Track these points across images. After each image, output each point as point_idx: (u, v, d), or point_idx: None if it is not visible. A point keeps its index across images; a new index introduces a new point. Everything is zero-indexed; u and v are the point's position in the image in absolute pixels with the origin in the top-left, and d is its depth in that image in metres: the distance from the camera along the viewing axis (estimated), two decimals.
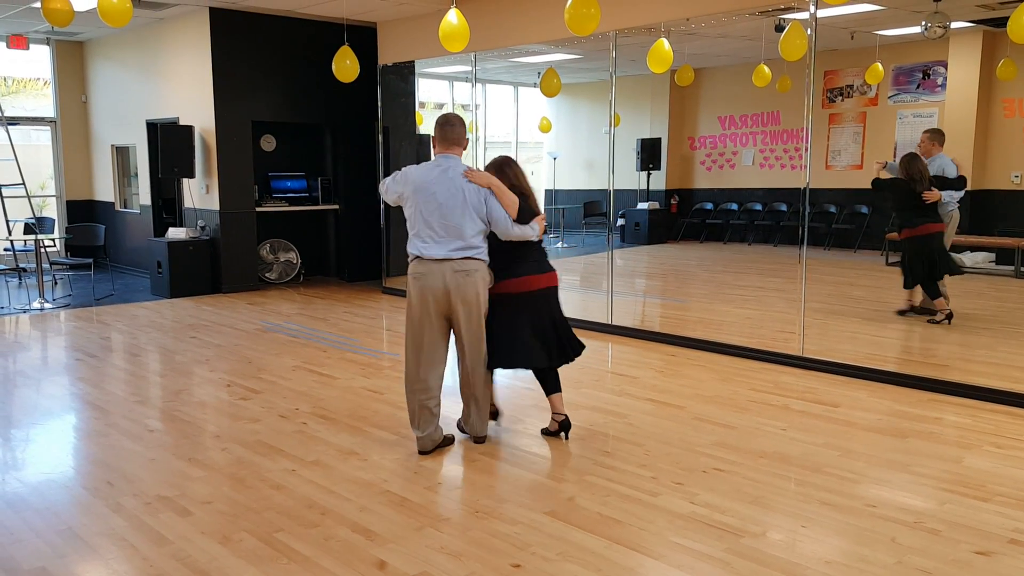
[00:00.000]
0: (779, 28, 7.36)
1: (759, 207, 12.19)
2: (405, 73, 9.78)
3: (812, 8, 5.96)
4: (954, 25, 8.94)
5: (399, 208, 4.45)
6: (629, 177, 12.67)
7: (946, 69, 10.84)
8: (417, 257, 4.32)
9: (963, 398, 5.27)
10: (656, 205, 13.02)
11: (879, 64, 10.36)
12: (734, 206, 12.61)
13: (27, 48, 10.95)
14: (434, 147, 4.42)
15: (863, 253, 11.05)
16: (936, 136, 7.32)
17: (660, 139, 13.09)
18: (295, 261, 10.58)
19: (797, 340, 6.24)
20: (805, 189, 6.36)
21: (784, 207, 11.81)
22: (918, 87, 11.14)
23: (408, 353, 4.41)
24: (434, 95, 13.54)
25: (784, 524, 3.50)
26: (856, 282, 7.72)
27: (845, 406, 5.16)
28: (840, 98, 11.81)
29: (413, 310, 4.35)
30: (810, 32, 6.07)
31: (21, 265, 10.11)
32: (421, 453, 4.36)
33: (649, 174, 12.82)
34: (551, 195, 14.17)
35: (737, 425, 4.79)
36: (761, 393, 5.45)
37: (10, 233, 10.07)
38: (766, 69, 8.91)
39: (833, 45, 10.69)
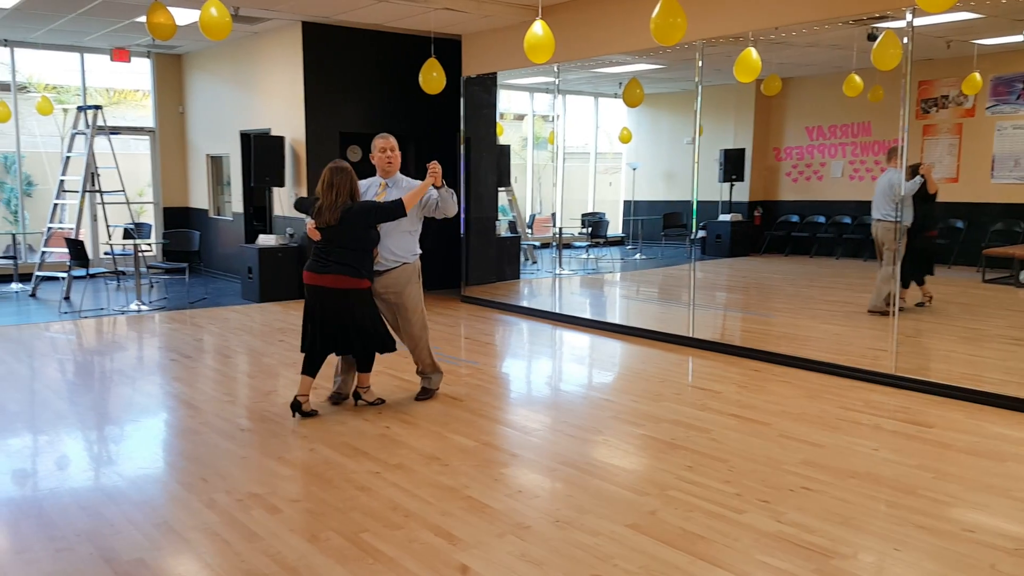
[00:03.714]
0: (871, 37, 7.16)
1: (848, 220, 11.85)
2: (488, 84, 9.88)
3: (909, 16, 5.79)
4: None
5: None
6: (711, 188, 12.50)
7: None
8: None
9: None
10: (739, 217, 12.80)
11: (977, 74, 9.97)
12: (821, 219, 12.29)
13: (129, 61, 11.49)
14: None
15: (958, 269, 10.63)
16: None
17: (744, 150, 12.87)
18: None
19: (889, 358, 6.03)
20: (900, 202, 6.16)
21: None
22: (1019, 98, 10.67)
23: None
24: (514, 106, 13.65)
25: (876, 546, 3.38)
26: (952, 299, 7.43)
27: (940, 427, 4.97)
28: (935, 109, 11.41)
29: None
30: (906, 41, 5.89)
31: (120, 268, 10.58)
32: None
33: (732, 185, 12.61)
34: (629, 206, 14.09)
35: (826, 444, 4.66)
36: (851, 411, 5.29)
37: (110, 238, 10.56)
38: (857, 79, 8.68)
39: (928, 54, 10.34)
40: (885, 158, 7.68)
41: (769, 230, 12.90)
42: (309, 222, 5.10)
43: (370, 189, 5.29)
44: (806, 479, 4.12)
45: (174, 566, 3.24)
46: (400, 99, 10.18)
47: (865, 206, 11.63)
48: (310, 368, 5.13)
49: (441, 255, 10.74)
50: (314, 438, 4.76)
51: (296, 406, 5.11)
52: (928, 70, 11.21)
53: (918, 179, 7.01)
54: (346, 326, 5.06)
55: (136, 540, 3.44)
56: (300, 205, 5.43)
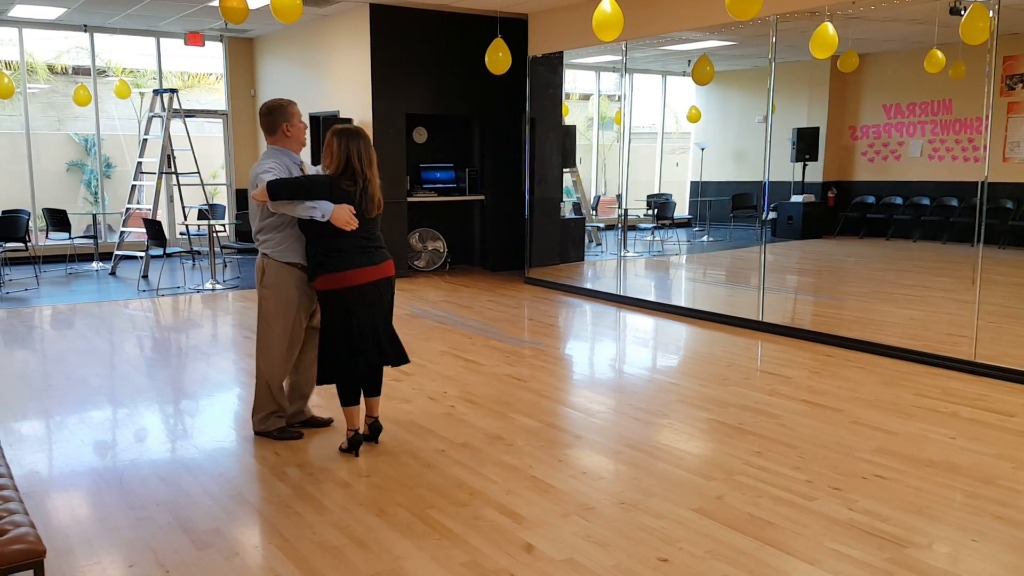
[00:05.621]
0: (954, 11, 6.87)
1: (927, 201, 11.46)
2: (554, 64, 9.81)
3: None
4: None
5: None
6: (783, 168, 12.21)
7: None
8: None
9: None
10: (812, 198, 12.48)
11: None
12: (898, 200, 11.90)
13: (203, 45, 11.74)
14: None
15: None
16: None
17: (818, 128, 12.54)
18: (442, 250, 10.85)
19: (969, 344, 5.82)
20: (983, 183, 5.91)
21: (955, 202, 11.03)
22: None
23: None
24: (580, 86, 13.53)
25: (952, 537, 3.28)
26: None
27: (1021, 415, 4.78)
28: (1021, 85, 10.91)
29: None
30: (992, 14, 5.63)
31: (195, 248, 10.90)
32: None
33: (805, 165, 12.30)
34: (697, 187, 13.87)
35: (900, 431, 4.53)
36: (927, 399, 5.13)
37: (186, 218, 10.86)
38: (939, 54, 8.34)
39: (1015, 28, 9.88)
40: None
41: (843, 211, 12.55)
42: (341, 211, 4.07)
43: (293, 168, 4.34)
44: (879, 467, 4.01)
45: (248, 536, 3.33)
46: (466, 80, 10.19)
47: (945, 187, 11.23)
48: (354, 395, 4.18)
49: (505, 237, 10.77)
50: (382, 416, 4.81)
51: (358, 443, 4.20)
52: (1014, 44, 10.70)
53: None
54: (389, 322, 4.26)
55: (212, 510, 3.55)
56: (297, 189, 4.03)
